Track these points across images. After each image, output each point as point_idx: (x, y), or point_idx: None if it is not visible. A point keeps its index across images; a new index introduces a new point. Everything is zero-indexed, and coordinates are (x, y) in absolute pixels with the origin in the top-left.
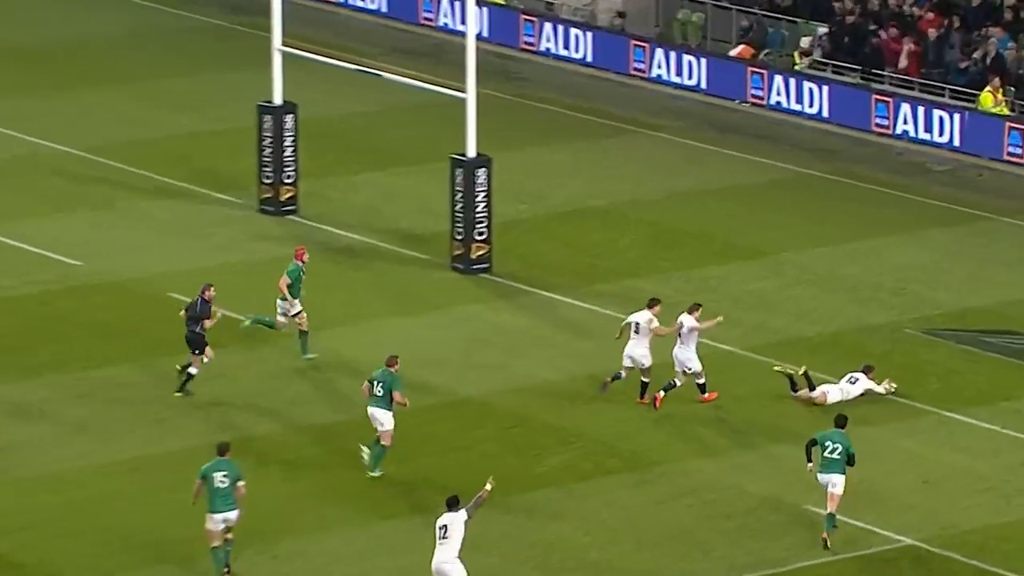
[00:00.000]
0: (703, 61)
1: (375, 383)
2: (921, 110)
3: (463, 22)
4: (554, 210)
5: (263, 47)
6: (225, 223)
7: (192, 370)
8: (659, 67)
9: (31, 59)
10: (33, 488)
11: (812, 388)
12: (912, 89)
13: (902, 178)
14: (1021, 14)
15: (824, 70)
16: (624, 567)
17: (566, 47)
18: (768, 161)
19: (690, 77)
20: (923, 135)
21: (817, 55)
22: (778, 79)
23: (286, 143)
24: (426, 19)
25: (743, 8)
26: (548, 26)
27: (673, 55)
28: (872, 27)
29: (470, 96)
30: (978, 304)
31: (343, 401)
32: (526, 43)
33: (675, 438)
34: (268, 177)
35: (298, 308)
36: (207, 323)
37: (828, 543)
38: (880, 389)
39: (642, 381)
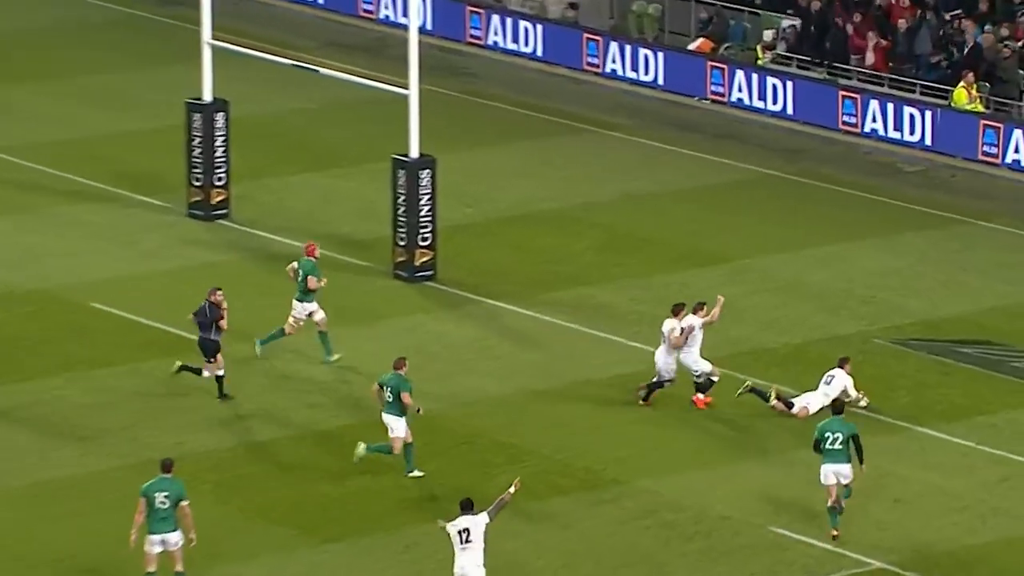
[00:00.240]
0: (660, 55)
1: (384, 388)
2: (891, 107)
3: (405, 14)
4: (502, 214)
5: (192, 41)
6: (152, 228)
7: (206, 373)
8: (613, 62)
9: None
10: None
11: (790, 407)
12: (882, 85)
13: (871, 179)
14: (996, 3)
15: (789, 65)
16: None
17: (515, 40)
18: (729, 161)
19: (646, 72)
20: (893, 133)
21: (781, 49)
22: (740, 74)
23: (217, 143)
24: (366, 11)
25: None
26: (496, 18)
27: (628, 49)
28: (836, 18)
29: (413, 93)
30: (952, 313)
31: (276, 418)
32: (473, 36)
33: (632, 455)
34: (198, 179)
35: (314, 307)
36: (222, 324)
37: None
38: (856, 395)
39: (651, 381)
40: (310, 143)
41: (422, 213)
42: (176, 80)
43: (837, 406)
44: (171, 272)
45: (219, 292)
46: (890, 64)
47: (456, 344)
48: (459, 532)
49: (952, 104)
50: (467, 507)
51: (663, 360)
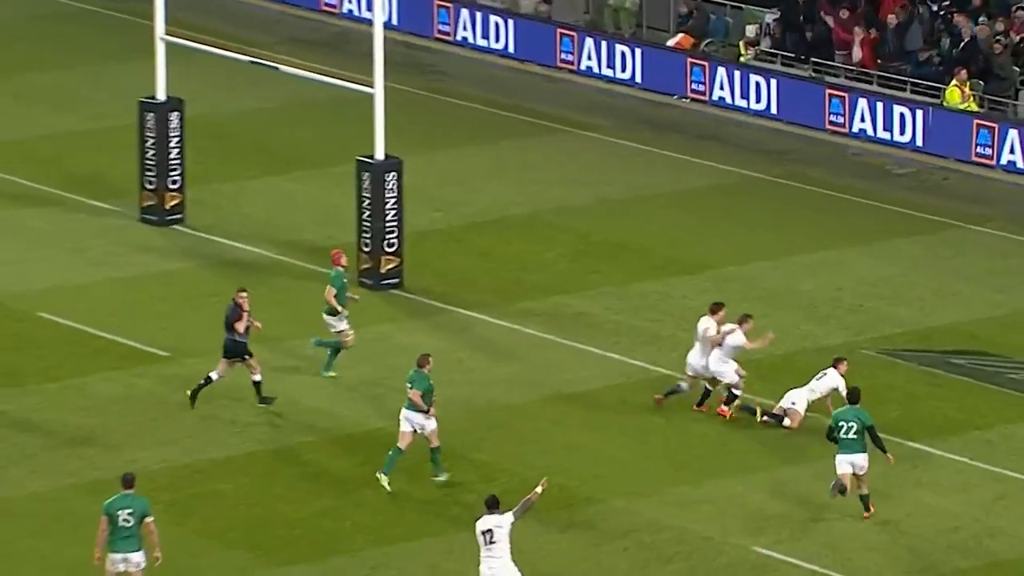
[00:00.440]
0: (638, 52)
1: (411, 386)
2: (880, 106)
3: (370, 8)
4: (472, 219)
5: (145, 36)
6: (103, 234)
7: (214, 376)
8: (589, 59)
9: None
10: None
11: (780, 420)
12: (870, 83)
13: (860, 182)
14: None
15: (773, 62)
16: None
17: (485, 36)
18: (711, 163)
19: (623, 70)
20: (883, 134)
21: (765, 45)
22: (721, 72)
23: (171, 144)
24: (328, 5)
25: None
26: (465, 13)
27: (604, 45)
28: (821, 12)
29: (378, 91)
30: (944, 322)
31: (234, 435)
32: (441, 32)
33: (609, 472)
34: (151, 182)
35: (345, 324)
36: (238, 326)
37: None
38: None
39: (705, 388)
40: (270, 144)
41: (388, 218)
42: (128, 78)
43: (853, 395)
44: (123, 280)
45: (243, 293)
46: (879, 61)
47: None
48: (483, 533)
49: (944, 103)
50: (493, 505)
51: (698, 361)
